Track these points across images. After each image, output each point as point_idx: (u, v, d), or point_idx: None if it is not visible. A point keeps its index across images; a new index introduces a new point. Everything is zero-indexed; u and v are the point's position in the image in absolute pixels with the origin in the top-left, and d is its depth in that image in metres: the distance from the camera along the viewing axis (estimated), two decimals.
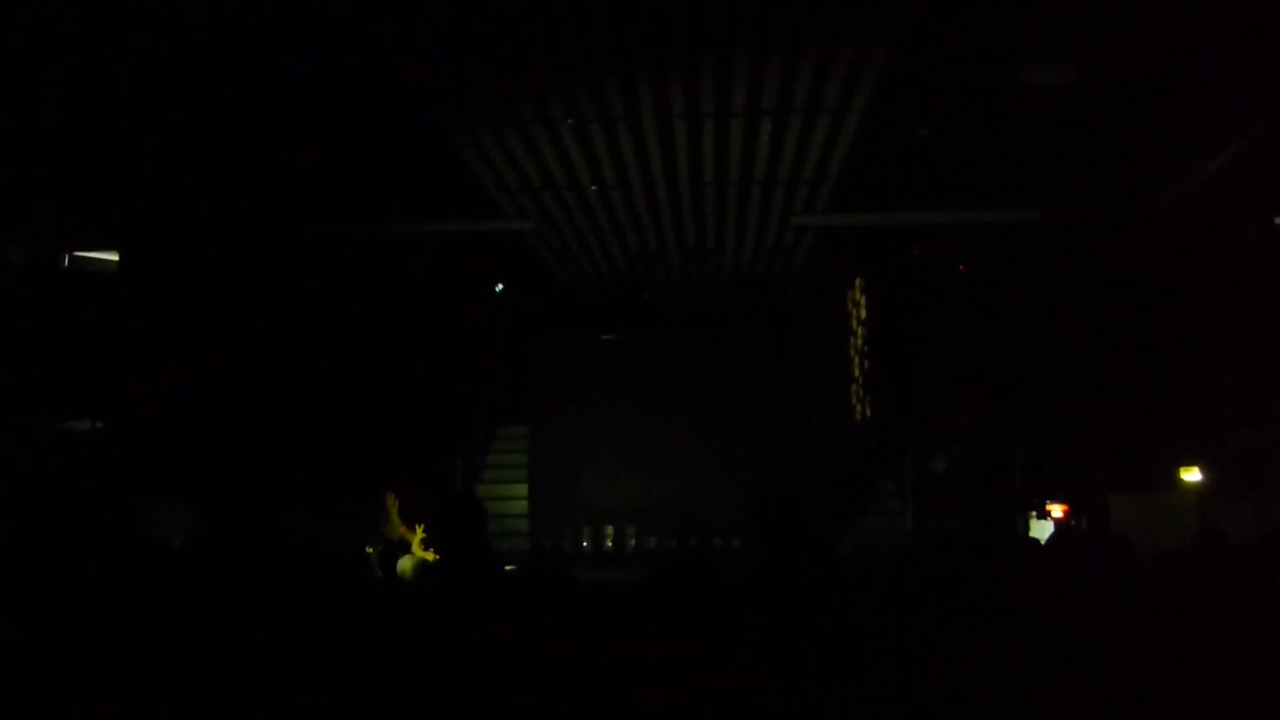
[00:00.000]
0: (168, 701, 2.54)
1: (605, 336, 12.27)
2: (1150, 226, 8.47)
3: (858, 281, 12.68)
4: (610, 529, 10.93)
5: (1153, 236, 8.50)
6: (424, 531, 5.92)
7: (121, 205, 8.19)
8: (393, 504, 6.57)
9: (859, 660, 2.86)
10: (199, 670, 2.62)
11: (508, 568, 3.92)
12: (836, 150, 8.54)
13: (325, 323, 10.04)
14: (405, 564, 5.20)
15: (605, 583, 3.01)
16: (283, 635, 2.74)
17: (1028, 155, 8.74)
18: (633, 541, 10.86)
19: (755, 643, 2.93)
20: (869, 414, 12.13)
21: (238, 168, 8.29)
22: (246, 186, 8.60)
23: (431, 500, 4.18)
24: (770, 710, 2.53)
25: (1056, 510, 9.02)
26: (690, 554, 10.07)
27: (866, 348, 12.35)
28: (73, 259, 8.63)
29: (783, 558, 3.50)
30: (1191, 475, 7.92)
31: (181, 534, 5.54)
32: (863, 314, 12.49)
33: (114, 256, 8.69)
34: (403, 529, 6.63)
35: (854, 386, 12.66)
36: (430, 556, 5.28)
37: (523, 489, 11.38)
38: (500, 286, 12.92)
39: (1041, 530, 9.07)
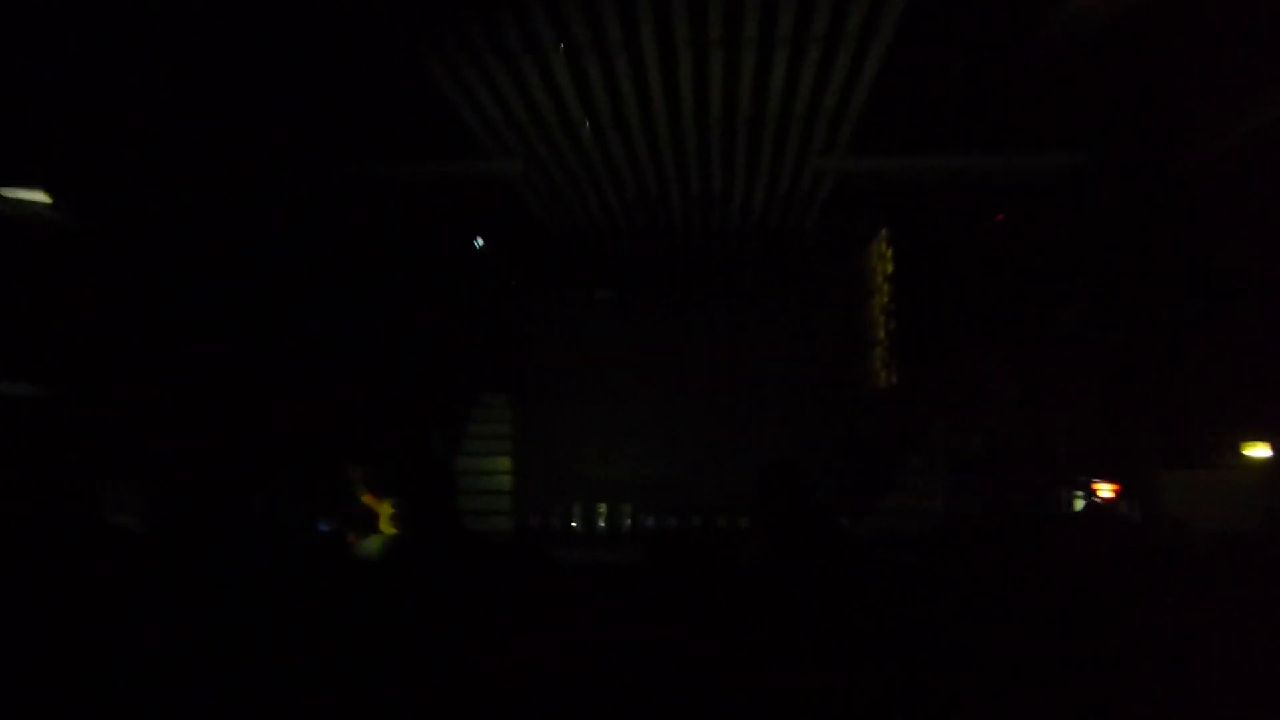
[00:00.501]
0: (116, 689, 2.60)
1: (600, 293, 12.23)
2: (1211, 171, 8.38)
3: (883, 233, 12.61)
4: (604, 507, 10.96)
5: (1214, 182, 8.41)
6: (393, 508, 5.90)
7: (54, 138, 8.10)
8: (357, 477, 6.55)
9: (872, 651, 2.86)
10: (151, 657, 2.67)
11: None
12: (859, 85, 8.47)
13: (288, 276, 9.98)
14: (372, 543, 5.19)
15: (592, 565, 3.02)
16: (239, 620, 2.80)
17: (1076, 92, 8.63)
18: (628, 521, 10.89)
19: (758, 632, 2.93)
20: (895, 381, 12.12)
21: (189, 101, 8.20)
22: (199, 122, 8.50)
23: (399, 472, 4.17)
24: (775, 706, 2.56)
25: (1105, 489, 9.01)
26: (689, 534, 10.10)
27: (893, 307, 12.30)
28: None
29: (786, 537, 3.49)
30: (1257, 451, 7.88)
31: (131, 512, 5.56)
32: (889, 269, 12.44)
33: (44, 197, 8.60)
34: (369, 499, 6.63)
35: (879, 350, 12.64)
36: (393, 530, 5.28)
37: (508, 462, 11.38)
38: (480, 241, 12.83)
39: None
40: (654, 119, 9.23)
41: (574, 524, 11.02)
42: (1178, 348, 8.99)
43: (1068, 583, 3.08)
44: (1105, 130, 9.15)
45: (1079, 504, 9.41)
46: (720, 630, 2.76)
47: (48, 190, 8.13)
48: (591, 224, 12.61)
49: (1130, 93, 8.39)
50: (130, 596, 2.92)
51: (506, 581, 3.07)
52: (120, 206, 8.62)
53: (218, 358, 9.06)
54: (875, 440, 11.56)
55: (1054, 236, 10.60)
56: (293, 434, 9.26)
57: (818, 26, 7.50)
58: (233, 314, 9.38)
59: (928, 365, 11.26)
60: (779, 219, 12.53)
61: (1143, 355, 9.48)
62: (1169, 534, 3.63)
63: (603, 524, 10.96)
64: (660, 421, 10.94)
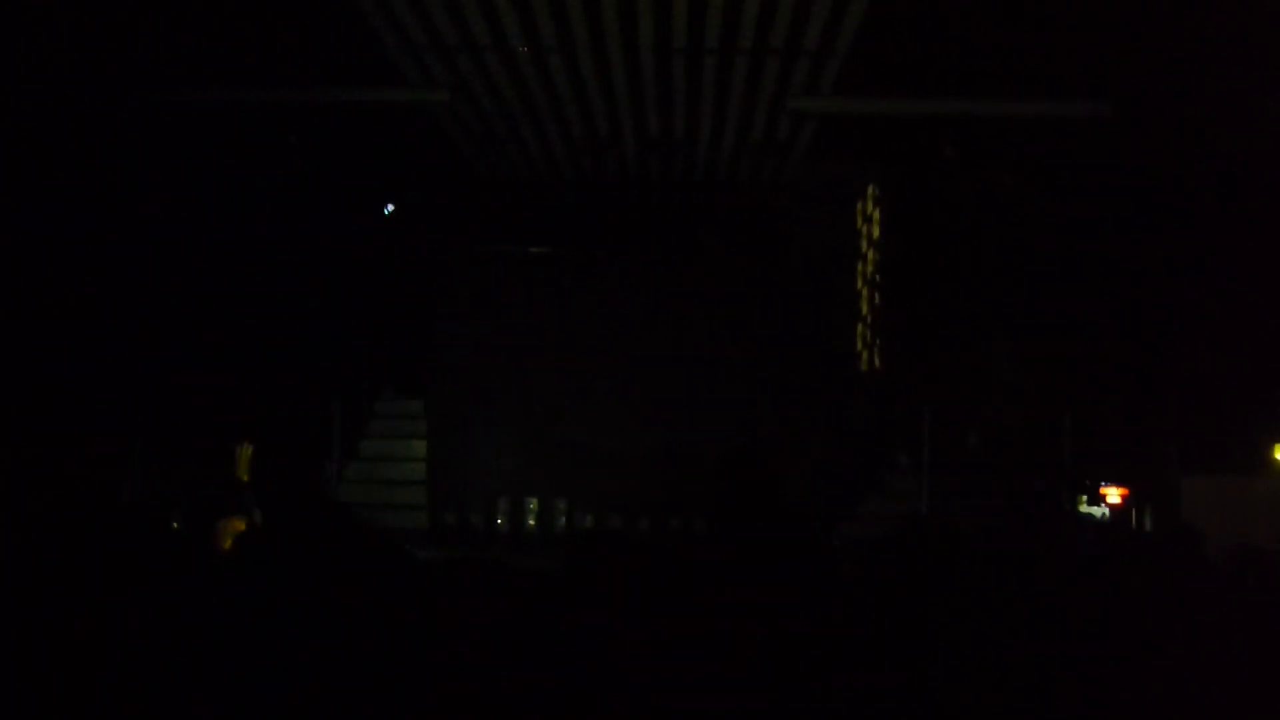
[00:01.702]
0: None
1: (535, 250, 12.20)
2: (1255, 131, 8.47)
3: (871, 190, 12.66)
4: (534, 503, 11.01)
5: (1258, 145, 8.50)
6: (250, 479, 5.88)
7: None
8: (246, 457, 6.54)
9: (839, 677, 2.87)
10: None
11: None
12: (849, 13, 8.47)
13: (166, 219, 9.88)
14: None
15: (494, 570, 2.94)
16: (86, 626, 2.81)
17: (1101, 32, 8.67)
18: (563, 520, 10.93)
19: (701, 656, 2.92)
20: (879, 364, 12.19)
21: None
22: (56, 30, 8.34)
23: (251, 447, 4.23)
24: None
25: (1113, 494, 9.17)
26: (625, 536, 10.15)
27: (879, 277, 12.37)
28: None
29: (746, 541, 3.49)
30: None
31: None
32: (876, 233, 12.49)
33: None
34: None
35: (861, 328, 12.71)
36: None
37: (421, 447, 11.36)
38: (390, 208, 12.79)
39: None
40: (605, 46, 9.20)
41: (499, 521, 11.05)
42: (1207, 336, 9.10)
43: (1055, 602, 3.12)
44: (1138, 76, 9.19)
45: (1084, 510, 9.56)
46: (641, 652, 2.74)
47: None
48: (528, 169, 12.61)
49: (1170, 33, 8.42)
50: None
51: (351, 586, 3.04)
52: None
53: (87, 313, 8.97)
54: (854, 432, 11.63)
55: (1071, 201, 10.68)
56: (166, 406, 9.20)
57: None
58: (110, 261, 9.28)
59: (918, 346, 11.33)
60: (750, 171, 12.57)
61: (1167, 343, 9.59)
62: (1182, 545, 3.72)
63: (532, 522, 11.00)
64: (602, 403, 10.95)
